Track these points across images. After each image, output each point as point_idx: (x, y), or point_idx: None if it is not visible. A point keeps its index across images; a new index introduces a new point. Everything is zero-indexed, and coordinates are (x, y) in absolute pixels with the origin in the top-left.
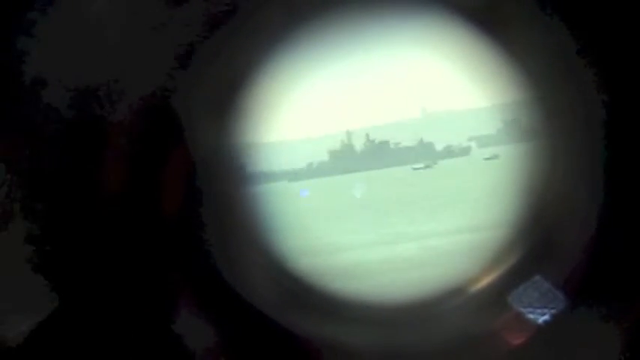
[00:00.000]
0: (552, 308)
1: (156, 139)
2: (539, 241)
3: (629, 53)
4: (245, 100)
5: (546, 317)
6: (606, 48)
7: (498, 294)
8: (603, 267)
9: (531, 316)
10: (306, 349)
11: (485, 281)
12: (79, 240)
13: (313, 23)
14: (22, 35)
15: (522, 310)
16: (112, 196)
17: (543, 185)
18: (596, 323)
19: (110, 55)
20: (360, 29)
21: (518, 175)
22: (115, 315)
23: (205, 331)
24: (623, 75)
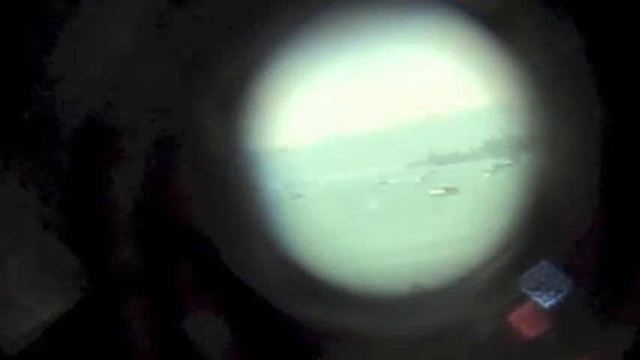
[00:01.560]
0: (560, 292)
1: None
2: (541, 229)
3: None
4: (255, 101)
5: (555, 303)
6: (613, 52)
7: (503, 281)
8: (608, 251)
9: (540, 302)
10: (311, 336)
11: (490, 268)
12: (92, 237)
13: (322, 24)
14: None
15: (532, 296)
16: (123, 199)
17: (545, 174)
18: (604, 308)
19: (118, 59)
20: (368, 31)
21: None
22: (129, 312)
23: (216, 323)
24: (626, 74)
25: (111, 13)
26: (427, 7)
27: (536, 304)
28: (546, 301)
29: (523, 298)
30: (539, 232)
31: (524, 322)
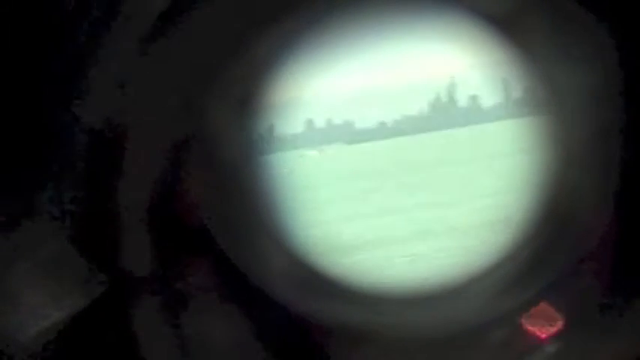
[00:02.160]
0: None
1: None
2: (555, 229)
3: None
4: (264, 97)
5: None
6: (629, 52)
7: (515, 282)
8: (624, 251)
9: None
10: (319, 334)
11: (502, 269)
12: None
13: (333, 24)
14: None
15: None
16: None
17: (559, 172)
18: (620, 309)
19: (129, 61)
20: (378, 30)
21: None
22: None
23: (227, 321)
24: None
25: (121, 13)
26: (437, 7)
27: (550, 306)
28: (559, 304)
29: (536, 300)
30: (553, 233)
31: (537, 324)
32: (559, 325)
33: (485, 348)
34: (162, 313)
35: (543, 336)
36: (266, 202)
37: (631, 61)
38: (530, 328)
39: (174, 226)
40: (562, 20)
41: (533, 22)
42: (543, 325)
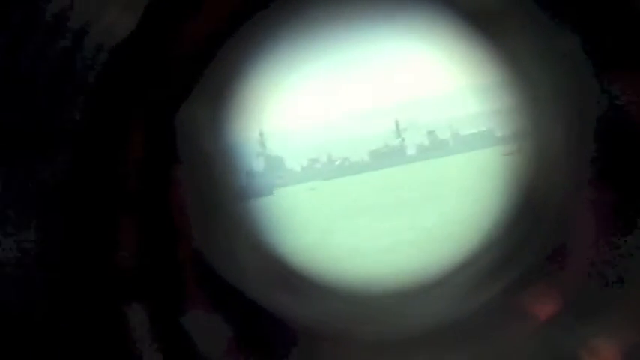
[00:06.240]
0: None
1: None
2: (534, 216)
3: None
4: (244, 98)
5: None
6: (606, 51)
7: (504, 265)
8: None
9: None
10: (299, 334)
11: (488, 255)
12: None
13: (311, 22)
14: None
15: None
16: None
17: (531, 163)
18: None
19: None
20: (358, 28)
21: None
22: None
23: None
24: (619, 73)
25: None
26: (418, 4)
27: (547, 284)
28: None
29: (527, 282)
30: (529, 223)
31: (536, 305)
32: (557, 306)
33: (480, 335)
34: (150, 311)
35: (542, 317)
36: (241, 200)
37: (603, 59)
38: (529, 309)
39: (160, 229)
40: (540, 19)
41: (511, 20)
42: (542, 306)
